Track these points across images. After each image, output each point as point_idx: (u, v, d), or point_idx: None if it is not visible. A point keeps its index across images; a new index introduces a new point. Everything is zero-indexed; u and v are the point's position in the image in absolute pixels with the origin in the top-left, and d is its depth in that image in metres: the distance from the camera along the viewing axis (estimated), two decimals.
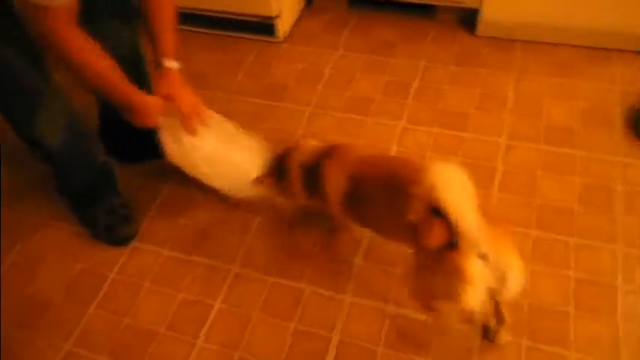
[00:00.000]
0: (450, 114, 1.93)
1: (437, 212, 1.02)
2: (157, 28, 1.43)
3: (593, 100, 1.93)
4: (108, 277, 1.60)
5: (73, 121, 1.55)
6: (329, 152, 1.36)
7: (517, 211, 1.63)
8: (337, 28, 2.35)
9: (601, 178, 1.70)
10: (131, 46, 1.64)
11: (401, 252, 1.39)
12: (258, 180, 1.52)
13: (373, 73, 2.12)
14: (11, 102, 1.46)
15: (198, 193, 1.78)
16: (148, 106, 1.41)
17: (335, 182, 1.32)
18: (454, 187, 1.02)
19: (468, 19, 2.24)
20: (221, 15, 2.29)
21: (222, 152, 1.55)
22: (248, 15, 2.24)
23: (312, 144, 1.44)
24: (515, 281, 1.12)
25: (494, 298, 1.23)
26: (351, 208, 1.34)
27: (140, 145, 1.78)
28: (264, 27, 2.26)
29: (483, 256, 1.06)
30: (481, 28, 2.20)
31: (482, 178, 1.72)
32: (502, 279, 1.11)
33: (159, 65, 1.44)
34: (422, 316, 1.37)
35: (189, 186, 1.80)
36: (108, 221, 1.68)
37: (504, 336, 1.36)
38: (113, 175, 1.78)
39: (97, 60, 1.27)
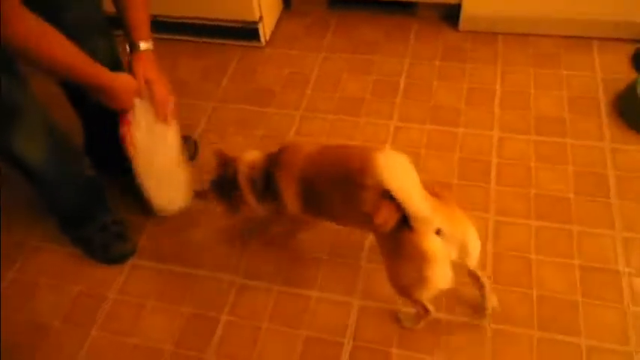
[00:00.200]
0: (440, 110, 1.94)
1: (389, 197, 1.06)
2: (129, 10, 1.37)
3: (577, 88, 1.96)
4: (108, 297, 1.56)
5: (55, 137, 1.48)
6: (275, 161, 1.34)
7: (516, 202, 1.65)
8: (319, 29, 2.34)
9: (593, 166, 1.73)
10: (110, 56, 1.59)
11: None
12: (202, 194, 1.51)
13: (359, 73, 2.12)
14: None
15: (196, 206, 1.74)
16: (120, 86, 1.32)
17: (290, 190, 1.31)
18: (398, 171, 1.06)
19: (449, 14, 2.26)
20: (201, 22, 2.26)
21: (177, 159, 1.52)
22: (229, 20, 2.21)
23: (253, 156, 1.40)
24: (475, 244, 1.17)
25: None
26: (310, 207, 1.34)
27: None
28: (246, 32, 2.23)
29: (439, 232, 1.10)
30: (463, 23, 2.21)
31: (479, 172, 1.73)
32: (462, 247, 1.16)
33: (134, 48, 1.38)
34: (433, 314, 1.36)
35: None
36: (102, 239, 1.64)
37: (493, 299, 1.39)
38: (102, 190, 1.72)
39: (57, 42, 1.16)
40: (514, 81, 2.01)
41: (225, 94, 2.11)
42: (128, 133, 1.40)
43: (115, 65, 1.61)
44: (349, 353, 1.39)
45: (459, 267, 1.20)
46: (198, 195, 1.55)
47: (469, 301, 1.44)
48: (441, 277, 1.12)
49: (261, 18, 2.19)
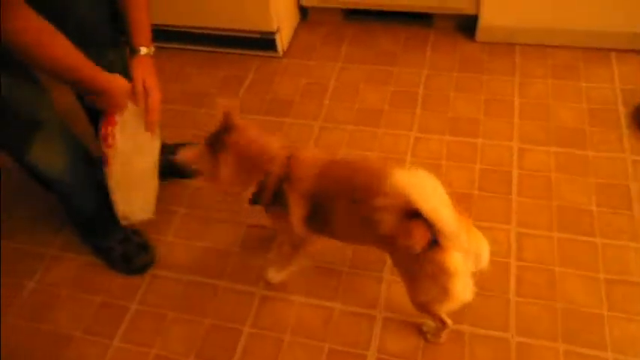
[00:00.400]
0: (459, 121, 1.94)
1: (411, 215, 1.03)
2: (131, 13, 1.36)
3: (596, 100, 1.96)
4: (130, 308, 1.56)
5: (72, 148, 1.49)
6: (287, 173, 1.27)
7: (537, 214, 1.64)
8: (335, 40, 2.34)
9: (614, 177, 1.72)
10: (122, 67, 1.59)
11: None
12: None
13: (377, 84, 2.12)
14: (6, 130, 1.38)
15: (214, 214, 1.75)
16: (115, 87, 1.31)
17: (297, 206, 1.27)
18: (428, 190, 1.03)
19: (466, 25, 2.26)
20: (219, 32, 2.27)
21: (152, 170, 1.52)
22: (247, 31, 2.22)
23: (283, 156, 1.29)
24: (487, 254, 1.16)
25: None
26: (316, 225, 1.31)
27: None
28: (263, 42, 2.24)
29: (463, 248, 1.09)
30: (480, 34, 2.22)
31: (499, 183, 1.73)
32: (476, 258, 1.14)
33: (134, 52, 1.37)
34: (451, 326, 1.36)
35: (202, 208, 1.78)
36: (124, 250, 1.64)
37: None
38: None
39: (58, 42, 1.15)
40: (533, 92, 2.01)
41: (243, 104, 2.11)
42: (110, 134, 1.36)
43: (126, 76, 1.62)
44: None
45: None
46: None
47: (492, 314, 1.43)
48: (464, 290, 1.12)
49: (278, 29, 2.20)
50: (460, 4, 2.16)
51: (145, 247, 1.66)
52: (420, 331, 1.43)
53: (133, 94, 1.36)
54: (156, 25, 2.21)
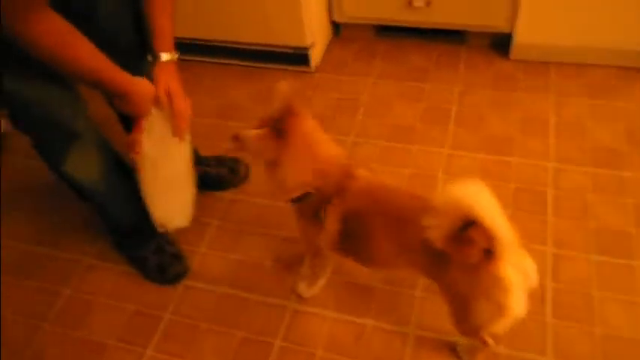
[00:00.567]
0: (493, 139, 1.92)
1: (464, 228, 1.01)
2: (155, 19, 1.34)
3: (634, 120, 1.93)
4: (163, 318, 1.57)
5: (107, 158, 1.52)
6: (339, 189, 1.23)
7: (574, 235, 1.61)
8: (367, 56, 2.36)
9: None
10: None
11: None
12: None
13: (410, 100, 2.12)
14: (44, 140, 1.42)
15: (247, 227, 1.76)
16: (138, 90, 1.29)
17: (334, 221, 1.25)
18: (483, 197, 1.00)
19: (499, 43, 2.25)
20: (252, 47, 2.30)
21: (185, 176, 1.50)
22: (281, 46, 2.25)
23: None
24: (534, 274, 1.13)
25: None
26: (346, 246, 1.29)
27: None
28: (297, 57, 2.26)
29: (516, 263, 1.06)
30: (514, 52, 2.21)
31: (535, 203, 1.71)
32: (525, 277, 1.11)
33: (156, 58, 1.35)
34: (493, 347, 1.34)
35: (236, 221, 1.79)
36: (158, 260, 1.66)
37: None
38: None
39: (80, 45, 1.14)
40: (568, 111, 1.99)
41: None
42: (137, 140, 1.35)
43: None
44: None
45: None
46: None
47: (529, 336, 1.41)
48: (518, 305, 1.08)
49: (312, 44, 2.23)
50: (495, 22, 2.15)
51: (178, 257, 1.68)
52: (453, 350, 1.41)
53: (158, 100, 1.35)
54: (193, 39, 2.30)
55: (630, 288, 1.48)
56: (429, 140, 1.95)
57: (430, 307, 1.50)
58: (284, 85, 1.21)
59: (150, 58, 1.36)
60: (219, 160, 1.90)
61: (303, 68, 2.30)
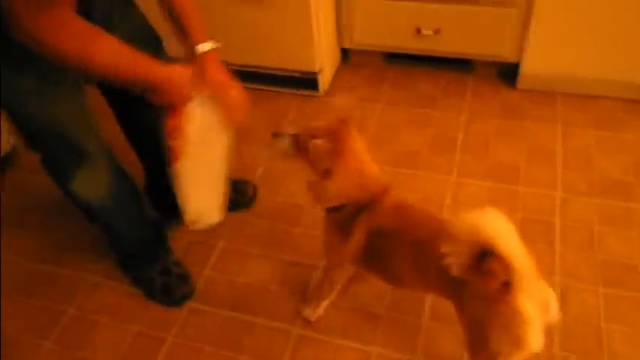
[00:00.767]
0: (500, 167, 1.93)
1: (481, 257, 1.00)
2: (185, 19, 1.30)
3: None
4: (166, 340, 1.56)
5: (118, 180, 1.51)
6: (372, 206, 1.26)
7: (582, 267, 1.61)
8: (376, 82, 2.38)
9: None
10: None
11: None
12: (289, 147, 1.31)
13: (417, 127, 2.14)
14: (55, 159, 1.42)
15: (253, 249, 1.76)
16: (175, 76, 1.21)
17: (361, 235, 1.27)
18: (501, 226, 1.00)
19: (507, 72, 2.28)
20: (261, 70, 2.33)
21: (221, 168, 1.43)
22: (290, 70, 2.27)
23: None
24: (555, 306, 1.12)
25: None
26: (369, 262, 1.32)
27: None
28: (306, 82, 2.28)
29: (534, 295, 1.05)
30: (521, 81, 2.23)
31: (542, 233, 1.71)
32: (544, 310, 1.09)
33: (198, 52, 1.30)
34: None
35: (243, 243, 1.79)
36: (164, 281, 1.65)
37: None
38: (164, 231, 1.76)
39: (108, 44, 1.10)
40: (575, 141, 2.00)
41: None
42: (177, 126, 1.27)
43: None
44: None
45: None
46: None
47: None
48: (536, 340, 1.06)
49: (321, 69, 2.25)
50: (502, 51, 2.18)
51: (184, 278, 1.67)
52: None
53: (199, 87, 1.28)
54: None
55: (639, 320, 1.47)
56: (436, 167, 1.96)
57: (436, 335, 1.49)
58: (343, 99, 1.27)
59: (191, 52, 1.31)
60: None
61: (312, 92, 2.32)
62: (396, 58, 2.45)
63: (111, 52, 1.10)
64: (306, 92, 2.32)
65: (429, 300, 1.57)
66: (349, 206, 1.28)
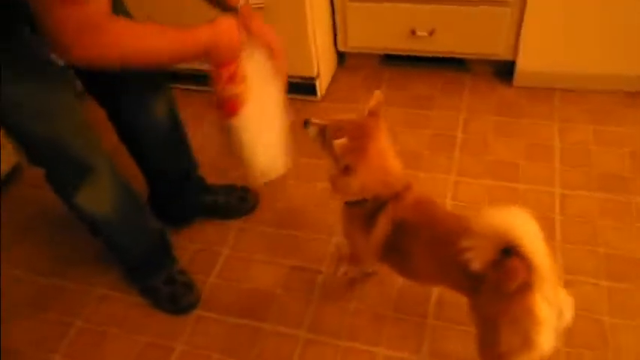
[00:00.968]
0: (499, 165, 1.95)
1: (507, 254, 1.01)
2: None
3: (638, 145, 1.95)
4: (175, 349, 1.57)
5: (122, 193, 1.52)
6: (395, 200, 1.28)
7: (584, 261, 1.62)
8: (373, 84, 2.39)
9: None
10: (168, 112, 1.63)
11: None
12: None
13: (415, 127, 2.15)
14: (59, 174, 1.43)
15: (258, 256, 1.77)
16: (224, 28, 1.19)
17: (383, 229, 1.29)
18: (527, 225, 1.01)
19: (503, 70, 2.29)
20: None
21: (281, 115, 1.40)
22: (289, 76, 2.27)
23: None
24: (570, 312, 1.13)
25: None
26: (390, 255, 1.34)
27: (191, 206, 1.82)
28: (303, 87, 2.30)
29: (549, 297, 1.05)
30: (518, 79, 2.24)
31: (543, 229, 1.70)
32: (559, 315, 1.10)
33: (233, 8, 1.27)
34: None
35: (247, 249, 1.80)
36: (170, 291, 1.67)
37: None
38: (168, 241, 1.77)
39: (151, 32, 1.09)
40: (573, 137, 2.02)
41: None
42: (237, 72, 1.24)
43: (174, 123, 1.67)
44: None
45: None
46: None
47: None
48: (547, 343, 1.07)
49: (318, 74, 2.27)
50: (497, 50, 2.19)
51: (190, 286, 1.68)
52: None
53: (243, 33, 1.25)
54: (197, 70, 2.33)
55: None
56: (436, 167, 1.97)
57: (442, 335, 1.50)
58: (379, 95, 1.33)
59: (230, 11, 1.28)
60: (229, 189, 1.92)
61: (309, 97, 2.33)
62: (392, 60, 2.46)
63: (159, 38, 1.10)
64: (304, 97, 2.34)
65: (434, 300, 1.58)
66: (370, 202, 1.30)
